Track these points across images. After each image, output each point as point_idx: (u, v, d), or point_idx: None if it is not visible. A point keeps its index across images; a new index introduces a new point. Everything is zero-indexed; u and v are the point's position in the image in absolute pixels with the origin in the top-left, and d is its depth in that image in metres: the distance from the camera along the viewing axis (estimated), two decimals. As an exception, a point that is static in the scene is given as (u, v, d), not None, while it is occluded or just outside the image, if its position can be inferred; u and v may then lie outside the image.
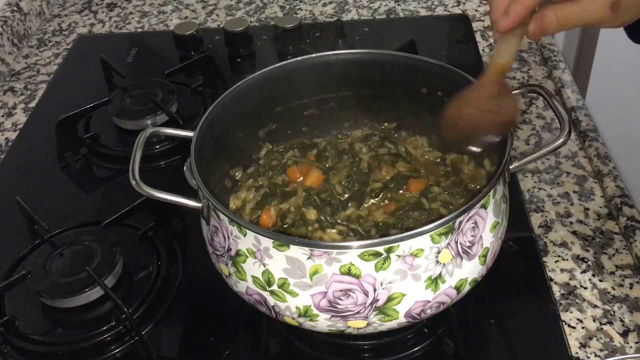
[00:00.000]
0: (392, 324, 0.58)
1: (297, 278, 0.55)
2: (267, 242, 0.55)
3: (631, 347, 0.65)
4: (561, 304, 0.70)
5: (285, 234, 0.66)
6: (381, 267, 0.54)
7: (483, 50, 1.09)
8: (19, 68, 1.17)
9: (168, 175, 0.90)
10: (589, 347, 0.65)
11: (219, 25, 1.24)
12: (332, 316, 0.56)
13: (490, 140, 0.59)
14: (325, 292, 0.55)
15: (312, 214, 0.67)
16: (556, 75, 1.00)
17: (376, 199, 0.69)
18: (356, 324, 0.57)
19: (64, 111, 0.93)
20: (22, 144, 0.99)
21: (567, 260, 0.74)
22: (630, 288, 0.71)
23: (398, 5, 1.24)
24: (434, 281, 0.56)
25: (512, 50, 0.60)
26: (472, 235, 0.57)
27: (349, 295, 0.55)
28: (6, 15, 1.19)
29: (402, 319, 0.57)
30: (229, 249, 0.59)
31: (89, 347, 0.68)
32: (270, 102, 0.74)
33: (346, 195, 0.70)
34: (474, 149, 0.61)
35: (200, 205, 0.61)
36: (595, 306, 0.69)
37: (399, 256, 0.54)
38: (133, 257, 0.75)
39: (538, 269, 0.73)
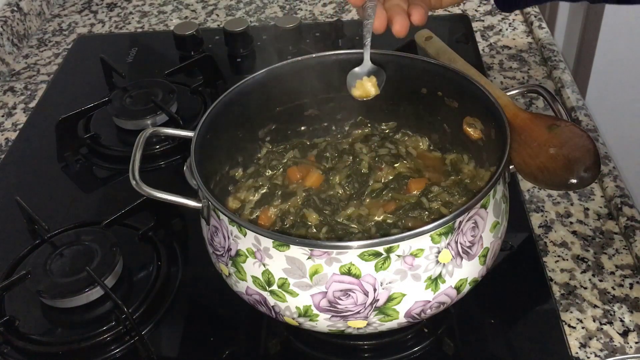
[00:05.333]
0: (392, 324, 0.58)
1: (297, 278, 0.55)
2: (267, 242, 0.55)
3: (631, 347, 0.65)
4: (561, 304, 0.70)
5: (284, 234, 0.66)
6: (381, 267, 0.54)
7: (483, 50, 1.09)
8: (19, 68, 1.17)
9: (168, 175, 0.90)
10: (589, 347, 0.65)
11: (219, 25, 1.24)
12: (332, 316, 0.56)
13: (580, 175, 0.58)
14: (325, 292, 0.55)
15: (313, 217, 0.67)
16: (556, 75, 1.00)
17: (376, 199, 0.69)
18: (356, 324, 0.57)
19: (64, 111, 0.93)
20: (22, 144, 0.99)
21: (567, 260, 0.74)
22: (630, 288, 0.71)
23: (398, 5, 1.24)
24: (434, 281, 0.56)
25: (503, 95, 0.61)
26: (472, 235, 0.57)
27: (349, 295, 0.55)
28: (6, 15, 1.19)
29: (402, 319, 0.57)
30: (229, 249, 0.59)
31: (89, 347, 0.68)
32: (270, 102, 0.74)
33: (346, 196, 0.70)
34: (572, 183, 0.59)
35: (200, 205, 0.61)
36: (595, 306, 0.69)
37: (399, 256, 0.54)
38: (133, 257, 0.75)
39: (538, 269, 0.73)
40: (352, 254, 0.53)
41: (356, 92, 0.68)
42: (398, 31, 0.63)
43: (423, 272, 0.55)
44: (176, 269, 0.76)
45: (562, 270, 0.73)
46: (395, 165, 0.72)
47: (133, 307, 0.70)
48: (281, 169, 0.74)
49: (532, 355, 0.65)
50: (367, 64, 0.67)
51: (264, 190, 0.72)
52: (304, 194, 0.70)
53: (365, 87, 0.67)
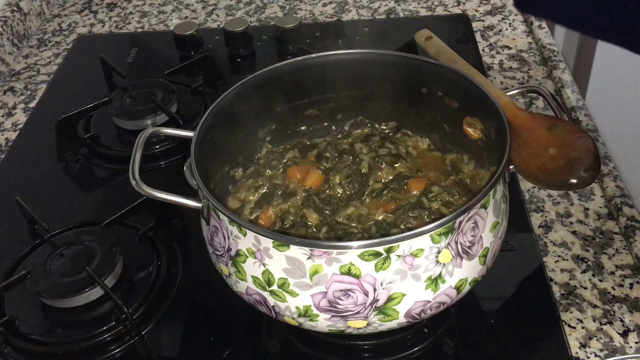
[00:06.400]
0: (392, 324, 0.58)
1: (297, 278, 0.55)
2: (267, 242, 0.55)
3: (631, 347, 0.65)
4: (561, 304, 0.70)
5: (284, 234, 0.66)
6: (381, 267, 0.54)
7: (483, 50, 1.09)
8: (19, 68, 1.17)
9: (168, 175, 0.90)
10: (589, 347, 0.65)
11: (219, 25, 1.24)
12: (332, 316, 0.56)
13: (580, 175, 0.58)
14: (325, 292, 0.55)
15: (313, 217, 0.67)
16: (556, 75, 1.00)
17: (377, 199, 0.69)
18: (356, 324, 0.57)
19: (64, 111, 0.93)
20: (22, 144, 0.99)
21: (567, 260, 0.74)
22: (630, 288, 0.71)
23: (398, 5, 1.24)
24: (434, 281, 0.56)
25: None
26: (472, 235, 0.57)
27: (349, 295, 0.55)
28: (6, 15, 1.19)
29: (402, 319, 0.57)
30: (229, 249, 0.59)
31: (89, 347, 0.68)
32: (270, 102, 0.74)
33: (346, 196, 0.70)
34: (572, 183, 0.58)
35: (200, 205, 0.61)
36: (595, 306, 0.69)
37: (399, 256, 0.54)
38: (133, 257, 0.75)
39: (538, 269, 0.73)
40: (352, 254, 0.53)
41: None
42: None
43: (423, 272, 0.55)
44: (176, 269, 0.76)
45: (562, 270, 0.73)
46: (395, 165, 0.72)
47: (133, 307, 0.70)
48: (281, 169, 0.74)
49: (532, 355, 0.65)
50: None
51: (264, 190, 0.72)
52: (304, 194, 0.70)
53: None
